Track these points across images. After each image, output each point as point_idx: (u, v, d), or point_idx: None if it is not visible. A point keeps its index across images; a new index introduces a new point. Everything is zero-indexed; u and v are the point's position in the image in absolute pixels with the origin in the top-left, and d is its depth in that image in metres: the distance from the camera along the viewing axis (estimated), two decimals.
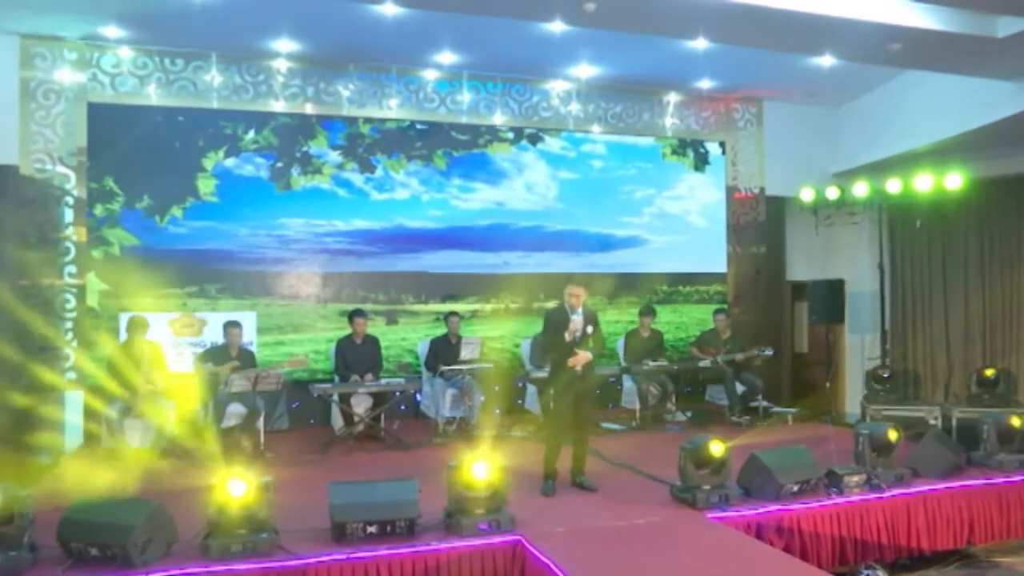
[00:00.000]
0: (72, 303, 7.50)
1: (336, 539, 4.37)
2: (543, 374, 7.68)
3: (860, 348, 9.90)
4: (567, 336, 5.36)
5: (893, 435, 5.43)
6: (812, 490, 5.23)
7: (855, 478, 5.30)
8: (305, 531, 4.48)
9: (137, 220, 7.82)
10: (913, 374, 9.66)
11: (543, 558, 4.23)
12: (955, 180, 8.56)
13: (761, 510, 4.98)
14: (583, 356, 5.35)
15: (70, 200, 7.52)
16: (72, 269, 7.52)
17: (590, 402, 5.61)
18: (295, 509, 4.68)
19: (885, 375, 8.80)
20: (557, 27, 7.13)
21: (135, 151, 7.73)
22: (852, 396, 9.98)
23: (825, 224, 9.90)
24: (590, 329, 5.42)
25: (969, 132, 7.98)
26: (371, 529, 4.38)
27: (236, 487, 4.29)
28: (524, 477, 5.31)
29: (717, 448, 4.93)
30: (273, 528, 4.31)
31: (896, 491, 5.37)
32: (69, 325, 7.48)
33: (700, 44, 7.57)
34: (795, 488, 5.14)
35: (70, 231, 7.53)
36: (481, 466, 4.63)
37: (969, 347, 9.47)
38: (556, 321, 5.47)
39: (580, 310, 5.43)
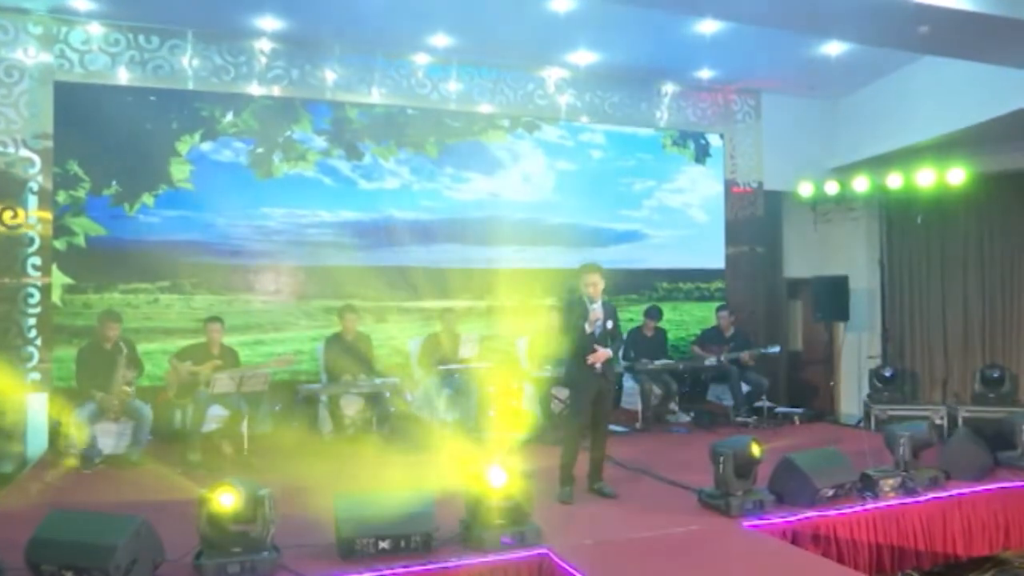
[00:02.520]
0: (36, 298, 6.91)
1: (344, 556, 3.93)
2: (543, 374, 7.36)
3: (857, 346, 9.70)
4: (587, 327, 4.93)
5: (933, 435, 5.15)
6: (846, 494, 4.93)
7: (890, 481, 5.00)
8: (308, 548, 4.03)
9: (104, 208, 7.24)
10: (911, 373, 9.47)
11: (575, 573, 3.85)
12: (957, 175, 8.41)
13: (797, 516, 4.65)
14: (603, 353, 4.94)
15: (34, 187, 6.93)
16: (36, 261, 6.93)
17: (609, 402, 5.22)
18: (293, 522, 4.21)
19: (888, 374, 8.61)
20: (561, 5, 6.81)
21: (102, 134, 7.16)
22: (848, 395, 9.79)
23: (823, 220, 9.70)
24: (610, 324, 5.02)
25: (974, 126, 7.80)
26: (383, 545, 3.95)
27: (229, 499, 3.82)
28: (536, 483, 4.90)
29: (757, 451, 4.58)
30: (273, 545, 3.86)
31: (931, 494, 5.10)
32: (32, 322, 6.89)
33: (707, 28, 7.32)
34: (830, 492, 4.83)
35: (34, 221, 6.93)
36: (499, 473, 4.23)
37: (968, 346, 9.31)
38: (574, 312, 5.02)
39: (600, 301, 5.01)
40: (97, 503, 4.79)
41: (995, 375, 8.14)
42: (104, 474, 5.88)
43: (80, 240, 7.18)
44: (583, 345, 4.95)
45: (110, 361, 6.23)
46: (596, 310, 4.95)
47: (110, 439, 6.17)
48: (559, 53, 8.25)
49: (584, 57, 8.32)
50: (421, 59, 8.14)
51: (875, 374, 8.62)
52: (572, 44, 8.00)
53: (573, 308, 5.01)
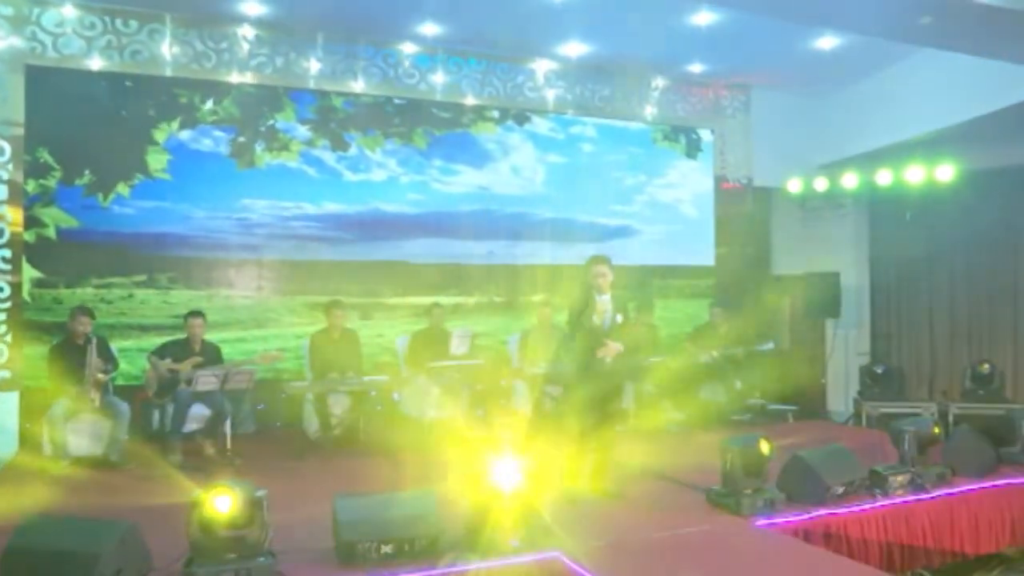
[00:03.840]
0: (6, 292, 6.57)
1: (344, 561, 3.71)
2: (536, 371, 7.17)
3: (844, 343, 9.66)
4: (595, 319, 4.73)
5: (938, 431, 5.06)
6: (856, 492, 4.82)
7: (899, 478, 4.90)
8: (305, 553, 3.81)
9: (76, 199, 6.93)
10: (898, 370, 9.46)
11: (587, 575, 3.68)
12: (947, 172, 8.39)
13: (808, 515, 4.52)
14: (614, 346, 4.76)
15: (3, 175, 6.58)
16: (6, 254, 6.59)
17: (618, 400, 5.04)
18: (285, 526, 3.97)
19: (879, 371, 8.56)
20: None
21: (76, 120, 6.86)
22: (836, 392, 9.74)
23: (812, 216, 9.65)
24: (619, 318, 4.83)
25: (964, 123, 7.77)
26: (386, 549, 3.74)
27: (221, 502, 3.58)
28: (540, 484, 4.70)
29: (767, 448, 4.44)
30: (269, 551, 3.63)
31: (939, 491, 5.01)
32: (2, 318, 6.54)
33: (699, 20, 7.20)
34: (840, 490, 4.72)
35: (3, 211, 6.59)
36: (506, 473, 4.04)
37: (955, 343, 9.31)
38: (580, 305, 4.82)
39: (609, 294, 4.83)
40: (75, 507, 4.52)
41: (986, 371, 8.12)
42: (80, 476, 5.57)
43: (51, 232, 6.87)
44: (592, 339, 4.77)
45: (82, 357, 5.91)
46: (605, 302, 4.77)
47: (85, 439, 5.86)
48: (549, 45, 8.08)
49: (575, 49, 8.15)
50: (408, 48, 7.92)
51: (866, 371, 8.57)
52: (563, 35, 7.84)
53: (578, 301, 4.82)
